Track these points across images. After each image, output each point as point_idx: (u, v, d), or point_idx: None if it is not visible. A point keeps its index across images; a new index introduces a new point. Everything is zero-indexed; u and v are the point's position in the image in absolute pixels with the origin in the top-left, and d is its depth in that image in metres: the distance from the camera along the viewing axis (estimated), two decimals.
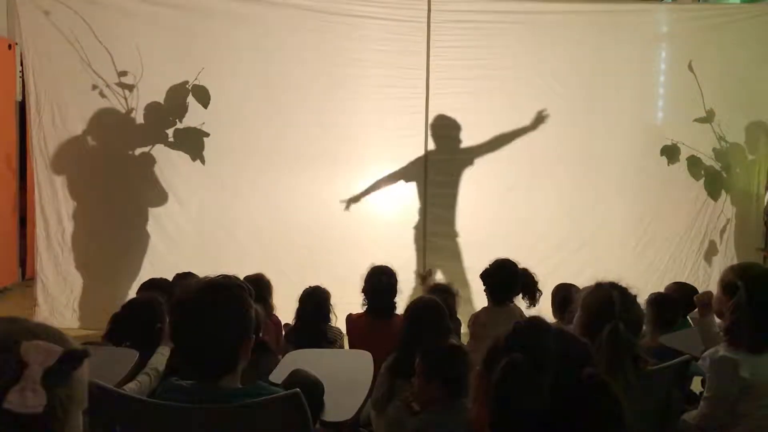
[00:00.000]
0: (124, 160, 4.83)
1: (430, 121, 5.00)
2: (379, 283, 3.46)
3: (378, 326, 3.31)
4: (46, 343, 0.98)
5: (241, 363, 1.65)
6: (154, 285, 3.38)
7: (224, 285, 1.66)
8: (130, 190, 4.85)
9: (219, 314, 1.60)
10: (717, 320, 2.41)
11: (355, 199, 5.02)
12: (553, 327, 1.17)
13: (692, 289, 3.49)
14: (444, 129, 5.03)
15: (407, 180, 5.07)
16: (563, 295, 3.51)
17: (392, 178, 5.05)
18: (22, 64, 4.79)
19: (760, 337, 2.13)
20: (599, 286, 2.08)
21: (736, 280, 2.19)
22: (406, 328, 2.66)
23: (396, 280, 3.52)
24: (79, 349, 1.01)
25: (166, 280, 3.49)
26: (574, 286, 3.52)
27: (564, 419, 1.04)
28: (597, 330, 1.93)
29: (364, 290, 3.47)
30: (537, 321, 1.19)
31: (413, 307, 2.76)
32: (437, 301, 2.76)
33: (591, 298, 2.08)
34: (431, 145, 5.03)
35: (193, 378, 1.65)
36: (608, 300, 2.00)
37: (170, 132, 4.82)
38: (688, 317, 2.55)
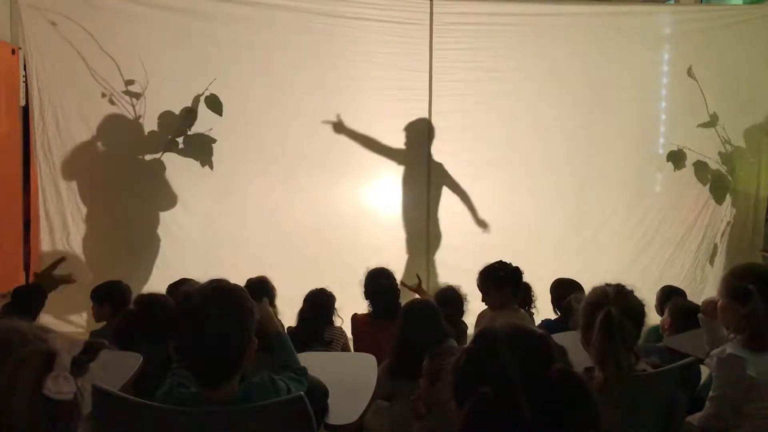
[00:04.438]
0: (134, 166, 4.82)
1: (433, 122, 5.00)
2: (380, 286, 3.46)
3: (382, 328, 3.31)
4: (68, 334, 1.02)
5: (245, 365, 1.67)
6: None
7: (227, 289, 1.70)
8: (139, 195, 4.84)
9: (226, 319, 1.63)
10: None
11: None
12: (501, 333, 1.15)
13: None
14: None
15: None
16: (561, 291, 3.51)
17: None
18: (25, 69, 4.78)
19: None
20: (595, 287, 2.10)
21: (746, 285, 2.15)
22: (400, 330, 2.66)
23: (395, 282, 3.52)
24: (96, 341, 1.05)
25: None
26: (574, 281, 3.52)
27: (543, 422, 1.02)
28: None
29: (367, 295, 3.47)
30: (483, 335, 1.18)
31: (407, 309, 2.77)
32: (431, 303, 2.76)
33: (587, 297, 2.09)
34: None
35: (197, 383, 1.66)
36: (602, 293, 2.03)
37: (180, 140, 4.82)
38: (698, 316, 2.54)
